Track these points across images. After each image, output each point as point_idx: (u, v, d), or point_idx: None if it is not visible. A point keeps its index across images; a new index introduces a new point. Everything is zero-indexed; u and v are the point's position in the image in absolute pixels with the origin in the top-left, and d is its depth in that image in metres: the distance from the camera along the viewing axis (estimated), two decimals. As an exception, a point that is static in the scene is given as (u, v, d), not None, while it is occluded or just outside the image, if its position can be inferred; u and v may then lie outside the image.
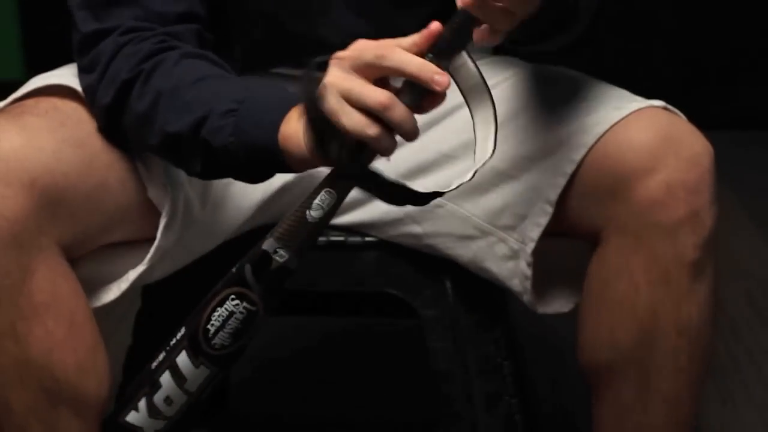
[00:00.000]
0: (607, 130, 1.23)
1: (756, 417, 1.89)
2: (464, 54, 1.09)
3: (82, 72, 1.24)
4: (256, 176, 1.18)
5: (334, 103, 1.04)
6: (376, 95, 1.04)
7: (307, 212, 1.09)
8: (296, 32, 1.33)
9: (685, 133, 1.23)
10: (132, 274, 1.26)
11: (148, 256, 1.25)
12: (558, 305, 1.33)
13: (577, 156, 1.24)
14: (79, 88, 1.23)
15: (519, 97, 1.32)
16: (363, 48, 1.06)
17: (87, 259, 1.24)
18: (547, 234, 1.27)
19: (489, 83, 1.35)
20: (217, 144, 1.13)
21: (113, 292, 1.26)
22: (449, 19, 1.07)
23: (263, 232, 1.14)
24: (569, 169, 1.24)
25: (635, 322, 1.24)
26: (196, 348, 1.13)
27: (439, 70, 1.05)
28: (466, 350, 1.41)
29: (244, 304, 1.11)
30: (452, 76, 1.08)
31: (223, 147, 1.13)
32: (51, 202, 1.15)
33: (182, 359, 1.14)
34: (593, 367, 1.29)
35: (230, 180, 1.34)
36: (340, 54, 1.06)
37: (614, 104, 1.25)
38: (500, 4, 1.03)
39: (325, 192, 1.09)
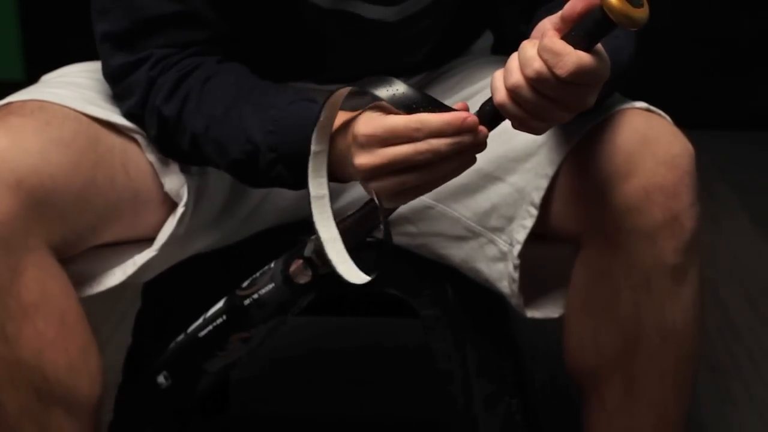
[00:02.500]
0: (587, 132, 1.22)
1: (756, 417, 1.89)
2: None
3: (118, 98, 1.27)
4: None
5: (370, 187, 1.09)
6: (403, 151, 1.05)
7: None
8: (298, 56, 1.32)
9: (663, 134, 1.21)
10: (140, 259, 1.26)
11: (160, 242, 1.25)
12: (548, 310, 1.32)
13: (558, 158, 1.24)
14: (64, 102, 1.22)
15: None
16: (392, 133, 1.06)
17: (82, 256, 1.23)
18: (537, 238, 1.27)
19: (477, 85, 1.37)
20: (272, 175, 1.19)
21: (117, 276, 1.26)
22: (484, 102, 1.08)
23: (264, 236, 1.15)
24: (550, 171, 1.24)
25: (618, 327, 1.24)
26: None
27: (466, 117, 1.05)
28: (466, 350, 1.41)
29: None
30: None
31: (274, 175, 1.19)
32: (38, 202, 1.14)
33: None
34: (579, 372, 1.29)
35: (231, 180, 1.34)
36: (364, 134, 1.07)
37: (595, 105, 1.25)
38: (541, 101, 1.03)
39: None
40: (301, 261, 1.17)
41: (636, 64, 1.22)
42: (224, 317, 1.22)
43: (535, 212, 1.25)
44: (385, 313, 1.68)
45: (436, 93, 1.39)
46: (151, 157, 1.25)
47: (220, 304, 1.23)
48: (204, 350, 1.24)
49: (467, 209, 1.31)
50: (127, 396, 1.46)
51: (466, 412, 1.41)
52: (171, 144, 1.24)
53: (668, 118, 1.26)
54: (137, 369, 1.48)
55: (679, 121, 1.26)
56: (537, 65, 1.01)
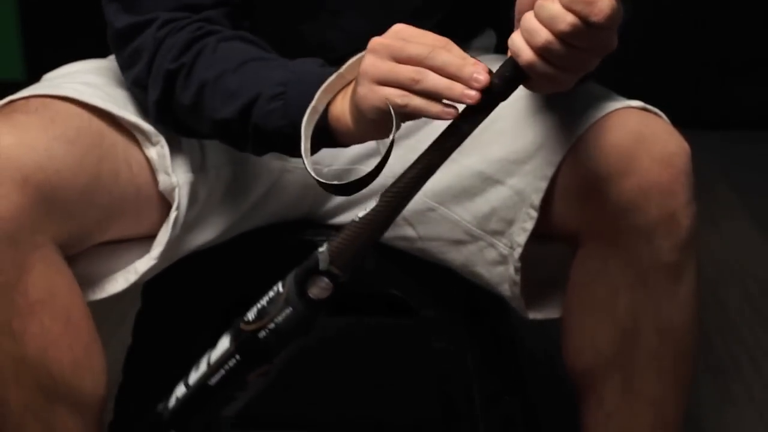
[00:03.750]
0: (584, 133, 1.22)
1: (756, 417, 1.89)
2: None
3: (124, 67, 1.26)
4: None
5: (365, 91, 1.05)
6: (407, 71, 1.03)
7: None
8: (304, 33, 1.33)
9: (659, 133, 1.21)
10: (141, 266, 1.26)
11: (159, 250, 1.26)
12: (549, 311, 1.33)
13: (557, 158, 1.24)
14: (71, 94, 1.23)
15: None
16: (406, 38, 1.05)
17: (87, 256, 1.24)
18: (537, 238, 1.27)
19: None
20: (269, 128, 1.15)
21: (119, 283, 1.26)
22: (501, 66, 1.06)
23: (264, 235, 1.14)
24: (549, 172, 1.24)
25: (615, 325, 1.24)
26: None
27: (477, 72, 1.03)
28: (466, 350, 1.41)
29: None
30: None
31: (274, 130, 1.15)
32: (45, 199, 1.15)
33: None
34: (577, 371, 1.29)
35: (230, 177, 1.34)
36: (379, 41, 1.06)
37: (592, 105, 1.25)
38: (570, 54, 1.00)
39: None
40: (319, 277, 1.10)
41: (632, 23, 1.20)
42: (237, 357, 1.13)
43: (535, 214, 1.25)
44: (385, 313, 1.68)
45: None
46: (150, 153, 1.25)
47: (225, 345, 1.14)
48: (219, 398, 1.17)
49: (467, 212, 1.31)
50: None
51: (466, 412, 1.41)
52: (170, 105, 1.22)
53: (664, 116, 1.26)
54: (137, 369, 1.48)
55: (679, 121, 1.26)
56: (570, 18, 0.99)
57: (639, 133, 1.20)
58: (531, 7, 1.02)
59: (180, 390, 1.17)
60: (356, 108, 1.08)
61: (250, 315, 1.12)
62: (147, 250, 1.27)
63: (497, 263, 1.31)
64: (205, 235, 1.34)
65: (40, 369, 1.17)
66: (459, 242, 1.33)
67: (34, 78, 1.34)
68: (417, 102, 1.04)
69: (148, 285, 1.40)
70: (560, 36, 0.99)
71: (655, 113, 1.25)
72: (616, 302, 1.23)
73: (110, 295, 1.26)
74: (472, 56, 1.43)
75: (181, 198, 1.26)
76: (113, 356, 1.38)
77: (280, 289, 1.11)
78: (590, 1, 0.98)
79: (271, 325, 1.11)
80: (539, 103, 1.28)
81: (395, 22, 1.28)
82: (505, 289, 1.31)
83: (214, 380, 1.14)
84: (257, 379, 1.15)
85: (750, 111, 3.35)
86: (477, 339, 1.42)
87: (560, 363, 1.31)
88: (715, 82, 3.36)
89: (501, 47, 1.48)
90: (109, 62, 1.36)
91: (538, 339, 1.82)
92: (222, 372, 1.14)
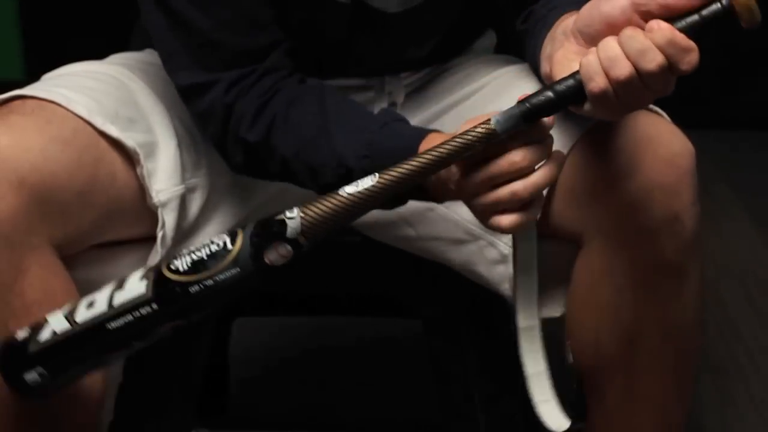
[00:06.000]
0: (587, 132, 1.22)
1: (756, 417, 1.89)
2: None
3: (197, 119, 1.28)
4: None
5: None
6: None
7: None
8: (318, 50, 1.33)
9: (663, 133, 1.21)
10: None
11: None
12: (549, 310, 1.32)
13: None
14: (59, 101, 1.21)
15: (506, 95, 1.31)
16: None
17: (84, 262, 1.23)
18: (538, 237, 1.27)
19: (480, 81, 1.36)
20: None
21: None
22: (561, 80, 1.05)
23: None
24: None
25: (618, 325, 1.24)
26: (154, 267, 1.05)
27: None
28: (466, 350, 1.41)
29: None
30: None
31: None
32: (41, 200, 1.14)
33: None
34: (580, 370, 1.29)
35: (228, 182, 1.34)
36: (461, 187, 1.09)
37: None
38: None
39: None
40: (282, 243, 1.03)
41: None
42: (154, 306, 1.03)
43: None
44: (385, 313, 1.68)
45: (439, 90, 1.40)
46: (140, 170, 1.24)
47: (140, 289, 1.04)
48: (111, 343, 1.06)
49: (467, 211, 1.31)
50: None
51: (466, 412, 1.41)
52: (260, 168, 1.25)
53: (667, 116, 1.26)
54: (137, 369, 1.48)
55: (680, 121, 1.26)
56: (661, 60, 0.99)
57: (644, 134, 1.20)
58: (605, 26, 1.02)
59: (59, 324, 1.06)
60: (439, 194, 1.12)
61: (180, 264, 1.03)
62: (145, 255, 1.27)
63: (497, 262, 1.31)
64: (203, 239, 1.33)
65: (37, 370, 1.16)
66: (459, 241, 1.33)
67: (34, 78, 1.34)
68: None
69: (148, 285, 1.40)
70: (644, 74, 0.99)
71: (658, 113, 1.25)
72: (620, 302, 1.23)
73: None
74: (472, 57, 1.44)
75: (165, 217, 1.26)
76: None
77: (228, 244, 1.03)
78: (685, 48, 0.98)
79: (209, 282, 1.02)
80: None
81: (410, 40, 1.28)
82: (506, 289, 1.31)
83: (115, 324, 1.04)
84: (166, 331, 1.05)
85: (750, 111, 3.35)
86: (477, 339, 1.42)
87: (561, 362, 1.31)
88: (715, 82, 3.36)
89: (501, 47, 1.48)
90: (108, 65, 1.35)
91: (538, 339, 1.82)
92: (129, 317, 1.04)
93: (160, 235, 1.25)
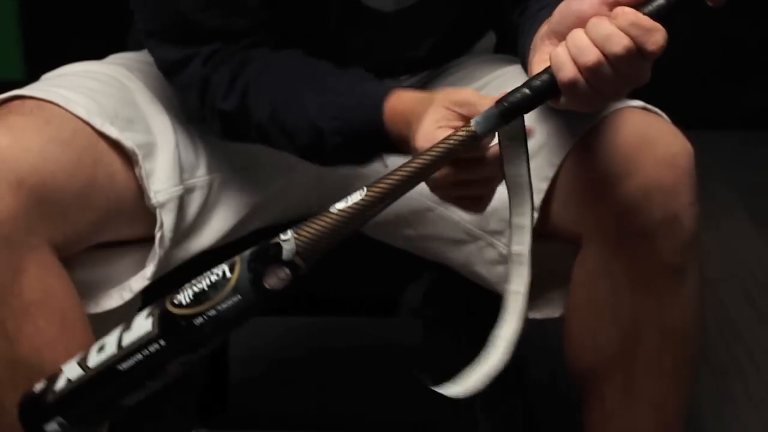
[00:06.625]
0: (585, 133, 1.22)
1: (756, 417, 1.89)
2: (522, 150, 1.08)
3: (180, 93, 1.31)
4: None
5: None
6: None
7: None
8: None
9: (662, 133, 1.21)
10: (135, 285, 1.26)
11: (151, 270, 1.25)
12: (548, 310, 1.32)
13: (558, 159, 1.23)
14: (58, 101, 1.21)
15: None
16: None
17: (83, 263, 1.23)
18: (537, 238, 1.27)
19: (479, 81, 1.36)
20: (333, 153, 1.21)
21: (114, 299, 1.26)
22: (535, 76, 1.05)
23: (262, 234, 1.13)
24: (551, 173, 1.24)
25: (617, 326, 1.24)
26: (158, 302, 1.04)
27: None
28: (466, 350, 1.41)
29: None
30: (502, 152, 1.08)
31: (337, 151, 1.21)
32: (40, 201, 1.14)
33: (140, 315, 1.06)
34: (579, 371, 1.29)
35: (227, 183, 1.34)
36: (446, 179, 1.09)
37: None
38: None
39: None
40: (280, 267, 1.02)
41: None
42: (162, 343, 1.03)
43: (535, 215, 1.25)
44: (385, 313, 1.68)
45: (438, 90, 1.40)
46: (135, 168, 1.24)
47: (146, 327, 1.04)
48: (126, 385, 1.05)
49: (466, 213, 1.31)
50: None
51: (466, 412, 1.41)
52: (238, 135, 1.28)
53: (666, 117, 1.25)
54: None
55: (679, 121, 1.26)
56: (626, 42, 0.99)
57: (642, 134, 1.20)
58: (576, 21, 1.02)
59: (73, 371, 1.06)
60: (412, 147, 1.11)
61: (183, 297, 1.03)
62: (144, 256, 1.27)
63: (497, 263, 1.31)
64: (202, 242, 1.33)
65: (35, 370, 1.16)
66: (458, 242, 1.33)
67: (34, 78, 1.34)
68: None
69: (148, 285, 1.40)
70: (611, 58, 0.99)
71: (656, 113, 1.25)
72: (618, 303, 1.23)
73: (104, 310, 1.25)
74: (471, 57, 1.44)
75: (164, 218, 1.26)
76: (113, 356, 1.38)
77: (227, 273, 1.03)
78: (650, 29, 0.98)
79: (212, 312, 1.02)
80: None
81: (406, 40, 1.28)
82: (505, 289, 1.31)
83: (126, 365, 1.04)
84: (176, 368, 1.05)
85: (750, 111, 3.35)
86: (477, 339, 1.42)
87: (560, 363, 1.31)
88: (715, 82, 3.36)
89: (500, 47, 1.48)
90: (107, 65, 1.35)
91: (538, 339, 1.82)
92: (138, 357, 1.03)
93: (158, 235, 1.25)
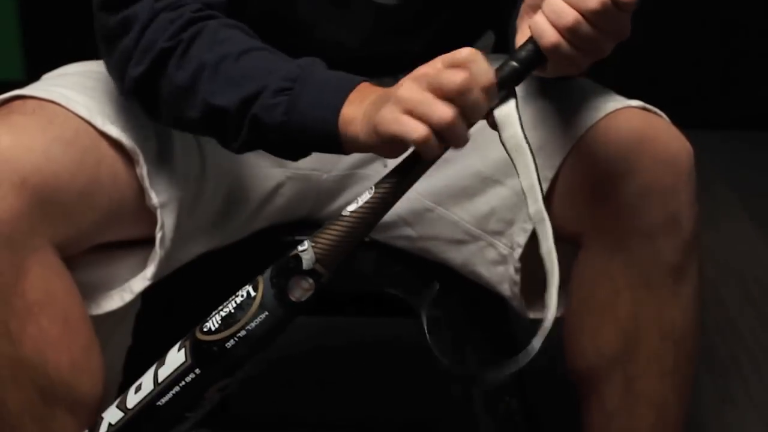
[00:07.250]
0: (585, 133, 1.22)
1: (756, 417, 1.89)
2: (514, 110, 1.05)
3: (109, 38, 1.19)
4: (299, 154, 1.14)
5: (390, 117, 1.01)
6: (441, 113, 1.00)
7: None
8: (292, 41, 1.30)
9: (661, 133, 1.21)
10: (135, 286, 1.26)
11: (152, 271, 1.25)
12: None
13: (557, 159, 1.24)
14: (60, 100, 1.21)
15: None
16: (444, 70, 1.02)
17: (84, 264, 1.23)
18: (537, 237, 1.27)
19: None
20: (269, 122, 1.09)
21: (115, 301, 1.26)
22: (519, 48, 1.05)
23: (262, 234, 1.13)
24: (550, 173, 1.24)
25: (617, 326, 1.24)
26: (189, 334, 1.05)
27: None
28: (466, 350, 1.41)
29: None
30: (497, 123, 1.05)
31: (276, 125, 1.09)
32: (42, 201, 1.14)
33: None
34: (579, 372, 1.29)
35: (227, 183, 1.34)
36: (422, 71, 1.03)
37: (593, 105, 1.24)
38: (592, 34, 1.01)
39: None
40: (303, 277, 1.04)
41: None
42: (197, 372, 1.05)
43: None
44: (385, 313, 1.68)
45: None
46: (139, 171, 1.23)
47: (179, 359, 1.06)
48: (167, 420, 1.07)
49: (466, 213, 1.31)
50: None
51: (466, 412, 1.41)
52: (153, 84, 1.16)
53: (665, 117, 1.26)
54: (137, 369, 1.48)
55: (679, 121, 1.26)
56: None
57: (642, 134, 1.20)
58: None
59: (113, 416, 1.08)
60: (373, 125, 1.03)
61: (211, 324, 1.05)
62: (145, 257, 1.27)
63: (497, 263, 1.31)
64: (202, 244, 1.33)
65: (38, 370, 1.16)
66: (459, 242, 1.33)
67: (34, 78, 1.34)
68: (437, 151, 1.02)
69: (148, 286, 1.40)
70: (589, 15, 1.00)
71: (656, 113, 1.25)
72: (618, 303, 1.23)
73: (105, 312, 1.25)
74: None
75: (165, 218, 1.25)
76: (113, 356, 1.38)
77: (251, 292, 1.04)
78: None
79: (242, 333, 1.04)
80: (540, 103, 1.28)
81: (392, 31, 1.27)
82: (506, 289, 1.31)
83: (164, 400, 1.06)
84: (214, 395, 1.07)
85: (750, 111, 3.35)
86: (477, 339, 1.42)
87: (560, 363, 1.31)
88: (715, 82, 3.36)
89: (499, 47, 1.48)
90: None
91: (538, 339, 1.82)
92: (176, 389, 1.06)
93: (159, 236, 1.25)
